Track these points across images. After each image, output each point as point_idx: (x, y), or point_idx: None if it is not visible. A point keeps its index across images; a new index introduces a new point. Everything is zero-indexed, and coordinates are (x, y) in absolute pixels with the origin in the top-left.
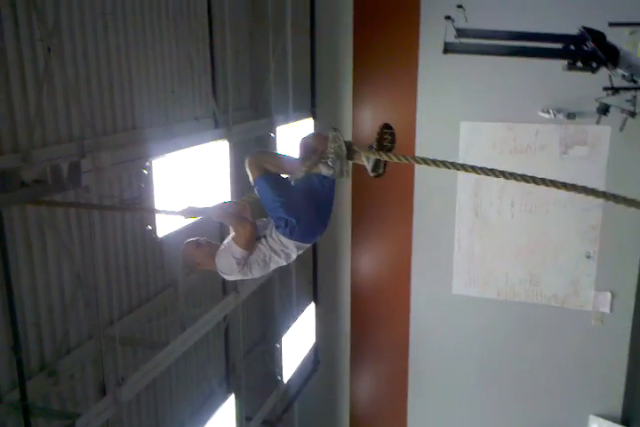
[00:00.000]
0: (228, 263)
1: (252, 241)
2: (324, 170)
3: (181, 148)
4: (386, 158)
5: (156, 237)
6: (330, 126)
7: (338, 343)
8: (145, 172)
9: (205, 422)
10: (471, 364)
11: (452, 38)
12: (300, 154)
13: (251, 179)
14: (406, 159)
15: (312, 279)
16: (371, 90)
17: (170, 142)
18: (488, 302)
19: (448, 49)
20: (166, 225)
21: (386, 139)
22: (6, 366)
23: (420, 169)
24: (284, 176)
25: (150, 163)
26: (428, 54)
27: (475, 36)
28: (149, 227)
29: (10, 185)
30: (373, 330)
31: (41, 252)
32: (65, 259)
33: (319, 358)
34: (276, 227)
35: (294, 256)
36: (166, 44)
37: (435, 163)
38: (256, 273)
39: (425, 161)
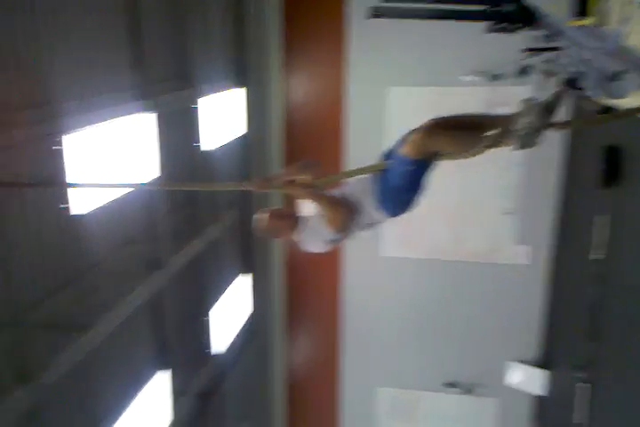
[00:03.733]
0: (317, 244)
1: (348, 225)
2: (509, 144)
3: (99, 122)
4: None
5: (73, 214)
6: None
7: (272, 312)
8: (58, 148)
9: (137, 399)
10: (401, 322)
11: (380, 4)
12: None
13: (408, 151)
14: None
15: (247, 249)
16: (301, 58)
17: (86, 117)
18: (415, 261)
19: (373, 14)
20: (85, 202)
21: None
22: None
23: (351, 135)
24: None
25: (62, 138)
26: (355, 20)
27: (401, 0)
28: (65, 204)
29: None
30: (307, 297)
31: None
32: None
33: (255, 327)
34: (384, 208)
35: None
36: (81, 11)
37: None
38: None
39: None
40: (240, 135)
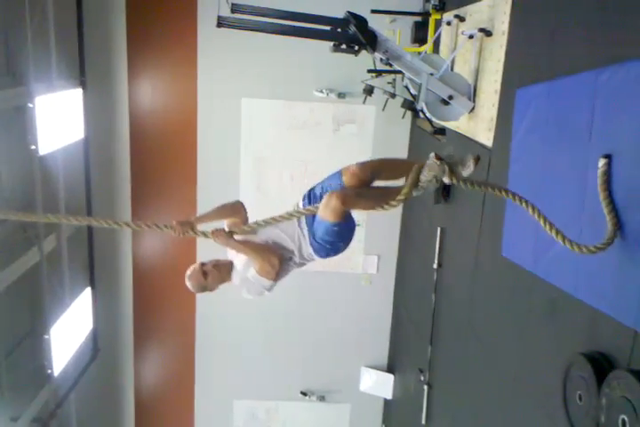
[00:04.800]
0: (258, 291)
1: (280, 272)
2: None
3: None
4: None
5: None
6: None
7: (120, 328)
8: None
9: None
10: (255, 333)
11: (228, 13)
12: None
13: (328, 217)
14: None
15: (88, 263)
16: (148, 63)
17: None
18: None
19: (221, 23)
20: None
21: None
22: None
23: (201, 147)
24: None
25: None
26: (206, 29)
27: (249, 13)
28: None
29: None
30: (159, 311)
31: None
32: None
33: (99, 345)
34: (318, 250)
35: None
36: None
37: None
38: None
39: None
40: (80, 139)
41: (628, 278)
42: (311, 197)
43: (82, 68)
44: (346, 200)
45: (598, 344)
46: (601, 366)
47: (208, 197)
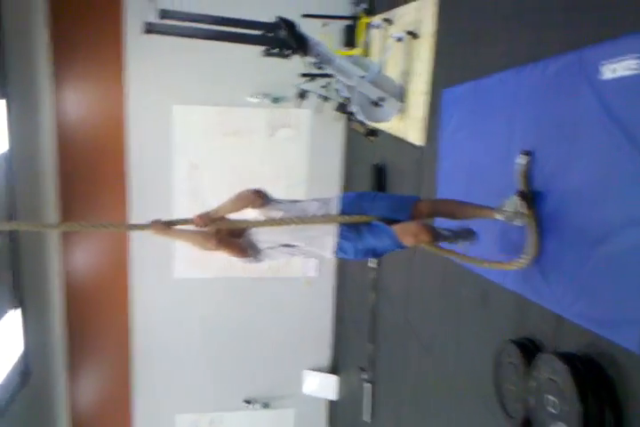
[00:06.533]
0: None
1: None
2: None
3: None
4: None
5: None
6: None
7: (51, 349)
8: None
9: None
10: (195, 344)
11: (157, 19)
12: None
13: (406, 242)
14: None
15: (16, 281)
16: (74, 72)
17: None
18: (209, 281)
19: (149, 29)
20: None
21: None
22: None
23: (133, 155)
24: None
25: None
26: (134, 36)
27: (178, 18)
28: None
29: None
30: (93, 328)
31: None
32: None
33: (30, 368)
34: (343, 253)
35: None
36: None
37: None
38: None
39: None
40: (4, 151)
41: (549, 265)
42: (347, 205)
43: (3, 78)
44: (434, 240)
45: (526, 331)
46: (529, 351)
47: (140, 205)
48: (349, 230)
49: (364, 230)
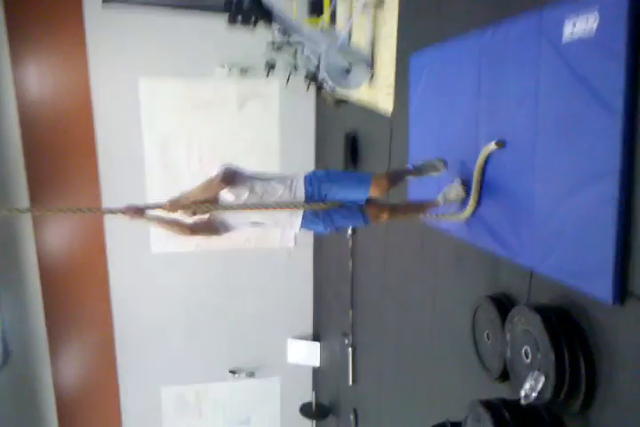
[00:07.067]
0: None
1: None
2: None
3: None
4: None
5: None
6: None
7: (32, 328)
8: None
9: None
10: (178, 317)
11: None
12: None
13: (370, 217)
14: None
15: None
16: (33, 47)
17: None
18: (187, 254)
19: (107, 0)
20: None
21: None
22: None
23: (100, 130)
24: None
25: None
26: (94, 7)
27: None
28: None
29: None
30: (73, 305)
31: None
32: None
33: (9, 349)
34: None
35: None
36: None
37: None
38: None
39: None
40: None
41: (517, 220)
42: (314, 184)
43: None
44: (395, 214)
45: (501, 287)
46: (504, 305)
47: (113, 181)
48: (316, 212)
49: (330, 211)
